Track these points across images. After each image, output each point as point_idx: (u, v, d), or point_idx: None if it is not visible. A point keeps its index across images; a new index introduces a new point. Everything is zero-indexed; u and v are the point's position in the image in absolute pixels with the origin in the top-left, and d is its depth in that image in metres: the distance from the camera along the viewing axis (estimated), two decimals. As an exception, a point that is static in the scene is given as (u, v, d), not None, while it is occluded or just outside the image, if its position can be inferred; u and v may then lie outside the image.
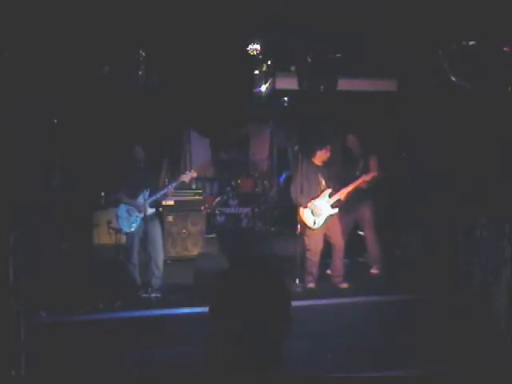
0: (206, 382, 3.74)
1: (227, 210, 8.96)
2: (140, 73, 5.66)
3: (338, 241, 6.22)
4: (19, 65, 4.40)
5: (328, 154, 6.19)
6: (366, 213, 6.66)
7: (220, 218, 8.93)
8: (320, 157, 6.17)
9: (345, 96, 7.03)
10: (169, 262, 6.92)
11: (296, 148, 6.74)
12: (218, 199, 9.12)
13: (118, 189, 6.00)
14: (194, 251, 7.35)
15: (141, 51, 5.60)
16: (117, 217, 5.96)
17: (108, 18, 4.86)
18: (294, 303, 5.93)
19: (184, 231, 7.50)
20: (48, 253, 5.65)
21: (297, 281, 6.11)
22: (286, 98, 8.50)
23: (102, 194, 7.69)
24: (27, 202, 4.70)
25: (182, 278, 6.28)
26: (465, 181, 5.69)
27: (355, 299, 5.84)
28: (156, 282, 5.89)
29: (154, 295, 5.71)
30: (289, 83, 6.80)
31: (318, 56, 6.20)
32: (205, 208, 8.04)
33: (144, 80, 5.76)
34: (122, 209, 5.91)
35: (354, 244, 6.74)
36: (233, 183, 9.26)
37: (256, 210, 9.07)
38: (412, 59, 6.05)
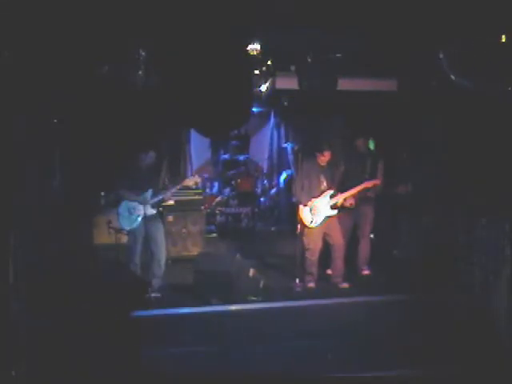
0: (205, 382, 3.74)
1: (227, 210, 8.97)
2: (140, 73, 5.66)
3: (338, 240, 6.23)
4: (19, 64, 4.40)
5: (330, 155, 6.21)
6: (369, 213, 6.66)
7: (220, 218, 8.94)
8: (324, 158, 6.19)
9: (345, 96, 7.03)
10: (169, 261, 6.91)
11: (296, 148, 6.76)
12: (218, 199, 9.12)
13: (120, 186, 6.01)
14: (194, 251, 7.34)
15: (141, 51, 5.59)
16: (117, 214, 5.96)
17: (108, 18, 4.85)
18: (294, 303, 5.97)
19: (184, 231, 7.50)
20: (48, 253, 5.65)
21: (297, 281, 6.12)
22: (285, 100, 8.51)
23: (102, 193, 7.69)
24: (27, 201, 4.70)
25: (182, 277, 6.29)
26: (465, 181, 5.69)
27: (355, 299, 5.84)
28: (156, 282, 5.89)
29: (153, 295, 5.71)
30: (289, 83, 6.79)
31: (318, 56, 6.19)
32: (205, 208, 8.03)
33: (144, 80, 5.75)
34: (123, 207, 5.92)
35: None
36: (233, 183, 9.26)
37: (256, 209, 9.07)
38: (412, 59, 6.05)
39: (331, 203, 6.16)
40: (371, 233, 6.85)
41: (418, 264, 6.42)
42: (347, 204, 6.32)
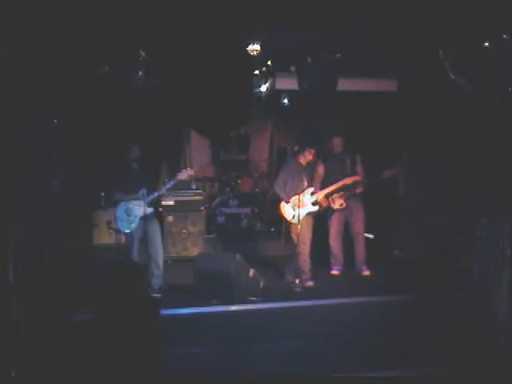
0: (205, 382, 3.74)
1: (227, 210, 8.96)
2: (140, 73, 5.66)
3: (306, 243, 6.30)
4: (19, 64, 4.40)
5: (312, 156, 6.34)
6: (359, 210, 6.70)
7: (220, 218, 8.94)
8: (305, 158, 6.33)
9: (345, 96, 7.03)
10: (169, 262, 6.91)
11: (296, 148, 6.81)
12: (218, 199, 9.12)
13: (115, 189, 6.01)
14: (194, 251, 7.34)
15: (141, 51, 5.59)
16: (115, 218, 5.96)
17: (108, 18, 4.85)
18: (294, 303, 5.97)
19: (184, 231, 7.50)
20: (48, 253, 5.64)
21: (297, 281, 6.13)
22: (286, 99, 8.51)
23: (102, 194, 7.68)
24: (27, 201, 4.70)
25: (182, 277, 6.29)
26: (465, 181, 5.69)
27: (355, 299, 5.85)
28: (156, 282, 5.89)
29: (154, 295, 5.71)
30: (289, 83, 6.80)
31: (318, 56, 6.20)
32: (205, 208, 8.03)
33: (144, 80, 5.75)
34: (121, 209, 5.91)
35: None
36: (233, 183, 9.26)
37: (256, 210, 9.07)
38: (412, 59, 6.05)
39: (312, 200, 6.29)
40: (367, 232, 6.88)
41: (418, 264, 6.43)
42: (337, 205, 6.50)
